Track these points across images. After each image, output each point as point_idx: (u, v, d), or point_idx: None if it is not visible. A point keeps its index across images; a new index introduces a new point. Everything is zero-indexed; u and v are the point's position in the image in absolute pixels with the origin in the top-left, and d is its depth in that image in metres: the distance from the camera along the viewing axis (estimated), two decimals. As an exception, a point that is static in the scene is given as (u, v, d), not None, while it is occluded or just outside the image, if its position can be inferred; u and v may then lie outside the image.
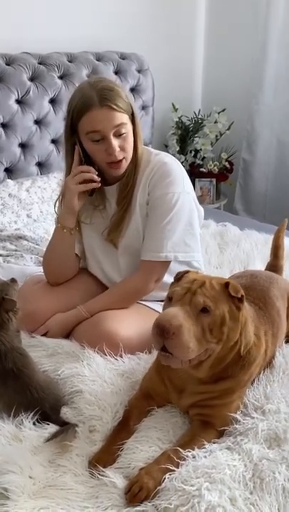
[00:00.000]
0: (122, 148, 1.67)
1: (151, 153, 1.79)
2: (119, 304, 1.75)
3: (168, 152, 3.59)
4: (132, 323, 1.66)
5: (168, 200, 1.70)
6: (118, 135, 1.64)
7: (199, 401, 1.36)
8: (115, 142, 1.64)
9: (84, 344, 1.64)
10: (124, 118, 1.64)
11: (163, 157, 1.77)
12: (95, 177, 1.71)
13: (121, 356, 1.61)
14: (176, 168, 1.75)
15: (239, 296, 1.27)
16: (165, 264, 1.75)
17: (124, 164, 1.71)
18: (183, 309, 1.22)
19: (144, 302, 1.82)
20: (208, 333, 1.24)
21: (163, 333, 1.18)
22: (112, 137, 1.63)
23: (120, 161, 1.68)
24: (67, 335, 1.76)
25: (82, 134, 1.67)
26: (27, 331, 1.74)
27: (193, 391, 1.36)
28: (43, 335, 1.76)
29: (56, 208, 1.88)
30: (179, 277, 1.35)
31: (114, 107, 1.61)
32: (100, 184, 1.72)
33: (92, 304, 1.77)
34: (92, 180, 1.71)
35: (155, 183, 1.72)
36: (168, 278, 1.70)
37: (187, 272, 1.36)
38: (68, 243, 1.83)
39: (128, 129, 1.66)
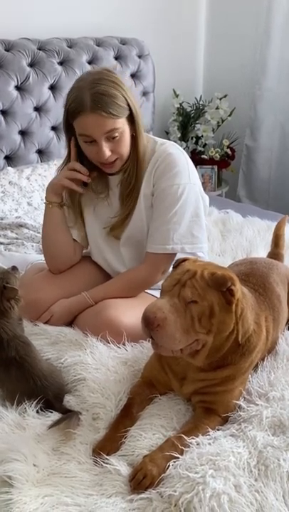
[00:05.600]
0: (115, 151, 1.64)
1: (156, 143, 1.76)
2: (124, 293, 1.74)
3: (169, 139, 3.60)
4: (135, 311, 1.65)
5: (173, 192, 1.68)
6: (111, 138, 1.61)
7: (201, 388, 1.36)
8: (106, 146, 1.61)
9: (87, 332, 1.63)
10: (117, 123, 1.59)
11: (168, 147, 1.74)
12: (85, 177, 1.71)
13: (124, 344, 1.61)
14: (182, 159, 1.72)
15: (224, 289, 1.25)
16: (172, 256, 1.73)
17: (119, 163, 1.69)
18: (171, 301, 1.23)
19: (147, 290, 1.81)
20: (197, 324, 1.24)
21: (148, 325, 1.21)
22: (103, 142, 1.60)
23: (113, 161, 1.66)
24: (70, 323, 1.76)
25: (76, 133, 1.66)
26: (29, 320, 1.73)
27: (194, 378, 1.36)
28: (46, 322, 1.75)
29: None
30: (175, 265, 1.36)
31: (105, 114, 1.56)
32: (83, 190, 1.75)
33: (96, 291, 1.76)
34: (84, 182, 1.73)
35: (160, 175, 1.70)
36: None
37: (185, 260, 1.35)
38: (56, 218, 1.81)
39: (123, 130, 1.62)
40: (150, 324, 1.20)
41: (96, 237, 1.87)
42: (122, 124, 1.61)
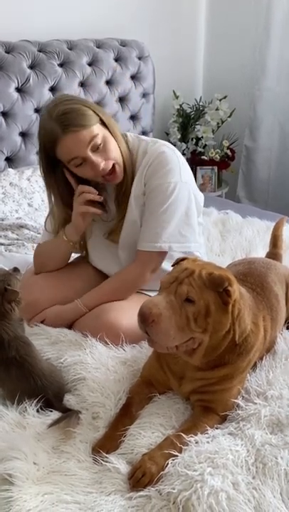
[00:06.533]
0: (107, 158, 1.64)
1: (148, 144, 1.75)
2: (116, 295, 1.74)
3: (169, 140, 3.61)
4: (133, 313, 1.65)
5: (164, 190, 1.68)
6: (96, 149, 1.61)
7: (199, 387, 1.37)
8: (96, 158, 1.61)
9: (87, 333, 1.64)
10: (93, 131, 1.59)
11: (159, 146, 1.73)
12: (97, 197, 1.71)
13: (123, 345, 1.62)
14: (173, 158, 1.71)
15: (220, 290, 1.26)
16: (161, 255, 1.73)
17: (118, 169, 1.68)
18: (167, 298, 1.25)
19: (146, 292, 1.81)
20: (192, 322, 1.25)
21: (144, 320, 1.22)
22: (91, 155, 1.61)
23: (113, 169, 1.66)
24: (70, 326, 1.76)
25: (65, 163, 1.66)
26: (26, 320, 1.73)
27: (192, 377, 1.37)
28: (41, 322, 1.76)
29: (46, 224, 1.88)
30: (174, 264, 1.37)
31: (77, 128, 1.57)
32: (101, 211, 1.74)
33: (89, 296, 1.76)
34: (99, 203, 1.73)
35: (151, 174, 1.70)
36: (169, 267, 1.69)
37: (184, 259, 1.36)
38: (67, 251, 1.86)
39: (103, 135, 1.62)
40: (145, 320, 1.22)
41: (95, 244, 1.88)
42: (99, 130, 1.62)
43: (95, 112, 1.62)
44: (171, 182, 1.68)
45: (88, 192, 1.70)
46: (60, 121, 1.57)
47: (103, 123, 1.65)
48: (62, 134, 1.57)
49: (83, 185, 1.71)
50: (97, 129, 1.61)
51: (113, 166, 1.66)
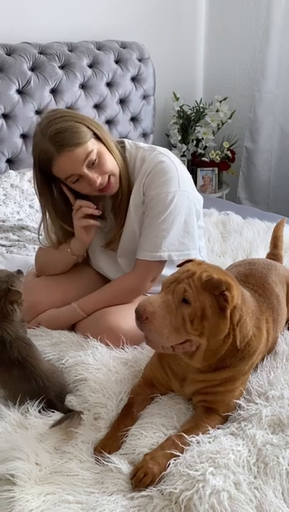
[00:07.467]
0: (102, 172, 1.63)
1: (146, 151, 1.74)
2: (114, 302, 1.73)
3: (170, 141, 3.61)
4: (134, 315, 1.66)
5: (163, 200, 1.67)
6: (91, 164, 1.61)
7: (201, 389, 1.37)
8: (93, 174, 1.61)
9: (88, 335, 1.65)
10: (88, 147, 1.59)
11: (157, 155, 1.72)
12: (96, 211, 1.72)
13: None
14: (171, 167, 1.70)
15: (216, 293, 1.25)
16: (161, 264, 1.73)
17: (114, 180, 1.68)
18: (164, 297, 1.26)
19: (147, 294, 1.80)
20: (188, 324, 1.25)
21: (138, 317, 1.24)
22: (87, 172, 1.61)
23: (108, 182, 1.66)
24: (71, 328, 1.76)
25: (62, 179, 1.66)
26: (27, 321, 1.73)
27: (194, 379, 1.37)
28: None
29: (42, 233, 1.88)
30: (179, 265, 1.38)
31: (72, 148, 1.56)
32: (99, 223, 1.75)
33: (86, 301, 1.75)
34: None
35: (150, 183, 1.69)
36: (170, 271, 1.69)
37: (189, 261, 1.37)
38: (71, 262, 1.86)
39: (98, 150, 1.61)
40: (140, 317, 1.24)
41: (94, 250, 1.88)
42: (93, 145, 1.61)
43: (88, 127, 1.61)
44: (170, 192, 1.67)
45: (87, 206, 1.71)
46: (54, 141, 1.56)
47: (97, 137, 1.64)
48: (57, 154, 1.57)
49: (81, 200, 1.71)
50: (92, 144, 1.61)
51: (108, 177, 1.66)
